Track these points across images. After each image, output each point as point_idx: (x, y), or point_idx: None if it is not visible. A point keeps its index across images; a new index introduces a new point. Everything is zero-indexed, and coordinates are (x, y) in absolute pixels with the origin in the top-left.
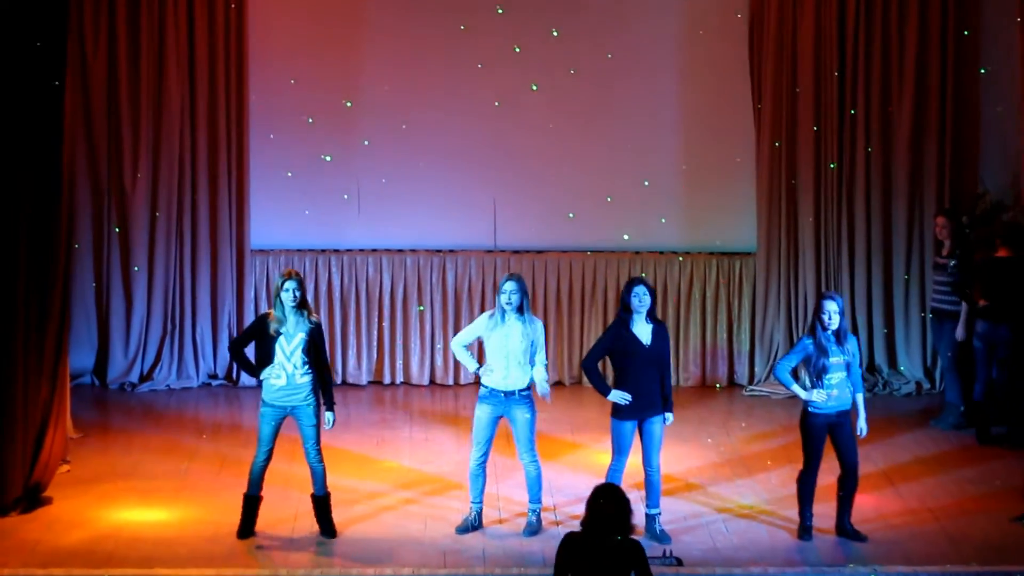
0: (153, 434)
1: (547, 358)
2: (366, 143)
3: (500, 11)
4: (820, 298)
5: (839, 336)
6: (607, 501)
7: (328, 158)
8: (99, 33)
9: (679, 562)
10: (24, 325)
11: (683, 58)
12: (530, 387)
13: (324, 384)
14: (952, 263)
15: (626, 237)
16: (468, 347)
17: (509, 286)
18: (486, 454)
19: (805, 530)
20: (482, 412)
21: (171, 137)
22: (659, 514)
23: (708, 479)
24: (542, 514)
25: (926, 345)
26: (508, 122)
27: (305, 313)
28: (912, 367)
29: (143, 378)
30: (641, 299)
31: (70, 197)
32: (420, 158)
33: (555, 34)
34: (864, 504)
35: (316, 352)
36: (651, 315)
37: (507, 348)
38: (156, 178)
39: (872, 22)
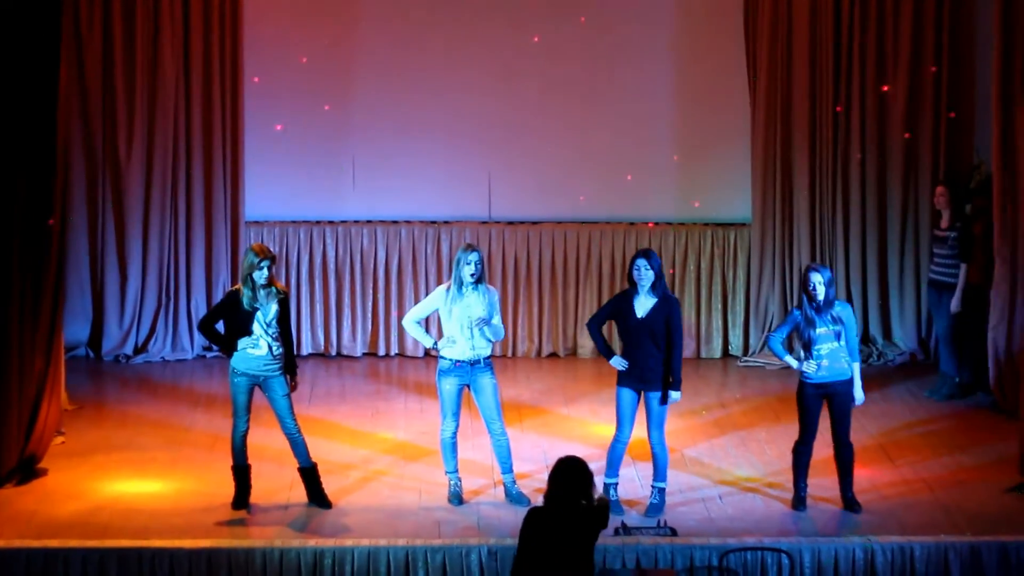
0: (148, 406)
1: (506, 326)
2: (359, 115)
3: None
4: (806, 270)
5: (826, 306)
6: (567, 472)
7: (323, 128)
8: (93, 6)
9: (673, 532)
10: (19, 297)
11: (678, 29)
12: (491, 356)
13: (290, 352)
14: (952, 235)
15: (621, 208)
16: (420, 322)
17: (474, 257)
18: (458, 425)
19: (799, 500)
20: (448, 385)
21: (166, 109)
22: (659, 488)
23: (703, 450)
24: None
25: (920, 316)
26: (502, 93)
27: (273, 286)
28: (906, 337)
29: (138, 350)
30: (642, 273)
31: (65, 170)
32: (415, 130)
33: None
34: (858, 474)
35: (285, 322)
36: (657, 289)
37: (469, 319)
38: (151, 150)
39: None
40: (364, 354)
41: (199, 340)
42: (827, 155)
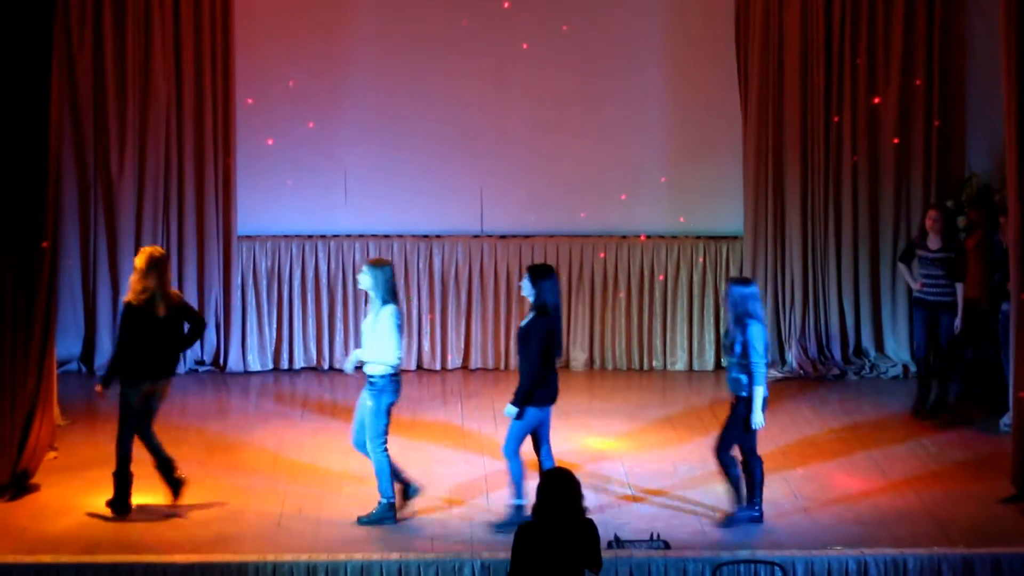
0: None
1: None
2: (350, 129)
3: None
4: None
5: (736, 321)
6: (555, 486)
7: (314, 143)
8: (85, 21)
9: (666, 545)
10: (11, 312)
11: (669, 41)
12: (387, 376)
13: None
14: (943, 256)
15: (613, 221)
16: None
17: (359, 275)
18: (362, 437)
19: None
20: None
21: (157, 125)
22: (515, 505)
23: (695, 462)
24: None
25: (913, 328)
26: (494, 108)
27: None
28: (899, 350)
29: None
30: (523, 288)
31: (56, 185)
32: (407, 144)
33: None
34: (851, 486)
35: None
36: (535, 305)
37: (363, 333)
38: (143, 166)
39: (859, 3)
40: (356, 368)
41: (191, 354)
42: (819, 167)
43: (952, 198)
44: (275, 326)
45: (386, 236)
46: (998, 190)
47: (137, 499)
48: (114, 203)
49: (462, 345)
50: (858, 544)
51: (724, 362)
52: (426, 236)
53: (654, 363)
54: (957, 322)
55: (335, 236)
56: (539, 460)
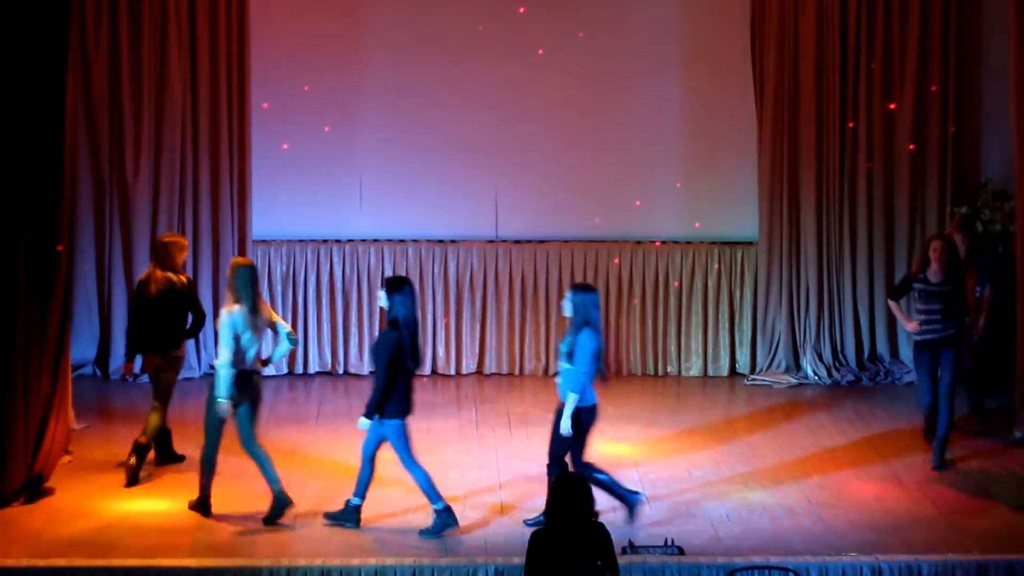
0: None
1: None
2: (366, 134)
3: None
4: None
5: (573, 327)
6: (566, 489)
7: (330, 148)
8: (100, 24)
9: (680, 551)
10: (25, 316)
11: (685, 47)
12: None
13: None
14: (947, 288)
15: (628, 227)
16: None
17: None
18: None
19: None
20: None
21: (173, 128)
22: (436, 510)
23: (709, 468)
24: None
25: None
26: (510, 112)
27: None
28: None
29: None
30: (381, 301)
31: (72, 188)
32: (422, 148)
33: (550, 24)
34: (865, 493)
35: None
36: (387, 317)
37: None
38: (158, 168)
39: (874, 9)
40: (371, 372)
41: (206, 358)
42: (834, 174)
43: (968, 204)
44: None
45: (401, 241)
46: (1012, 196)
47: (151, 504)
48: (129, 206)
49: (476, 350)
50: (872, 550)
51: (559, 366)
52: (441, 241)
53: (669, 369)
54: (981, 322)
55: (350, 241)
56: (362, 464)
